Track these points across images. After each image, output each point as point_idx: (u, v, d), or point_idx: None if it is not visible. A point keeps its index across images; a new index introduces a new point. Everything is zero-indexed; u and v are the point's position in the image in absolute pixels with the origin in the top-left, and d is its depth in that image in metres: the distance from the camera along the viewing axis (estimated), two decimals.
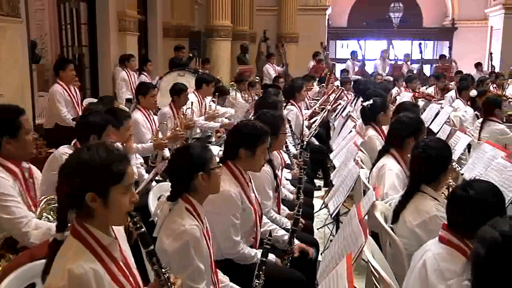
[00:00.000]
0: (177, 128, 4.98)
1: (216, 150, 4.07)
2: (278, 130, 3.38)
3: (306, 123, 6.53)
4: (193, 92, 6.06)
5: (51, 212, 2.74)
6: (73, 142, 3.31)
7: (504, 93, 8.51)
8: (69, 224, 1.75)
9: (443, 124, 5.90)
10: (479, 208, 2.00)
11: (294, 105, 6.14)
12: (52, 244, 1.74)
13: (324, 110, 7.01)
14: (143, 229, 1.82)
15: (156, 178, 3.64)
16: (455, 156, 4.29)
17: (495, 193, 2.07)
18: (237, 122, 3.16)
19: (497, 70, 12.59)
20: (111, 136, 3.59)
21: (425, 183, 2.63)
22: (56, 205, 2.75)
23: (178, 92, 5.46)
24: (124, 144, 3.85)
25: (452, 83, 10.58)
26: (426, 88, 9.85)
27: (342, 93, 8.17)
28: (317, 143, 6.35)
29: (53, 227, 2.03)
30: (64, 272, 1.62)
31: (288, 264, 2.88)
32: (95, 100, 5.82)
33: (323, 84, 10.02)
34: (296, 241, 2.99)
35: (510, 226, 1.49)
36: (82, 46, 8.29)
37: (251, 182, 2.89)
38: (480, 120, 5.33)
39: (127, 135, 3.82)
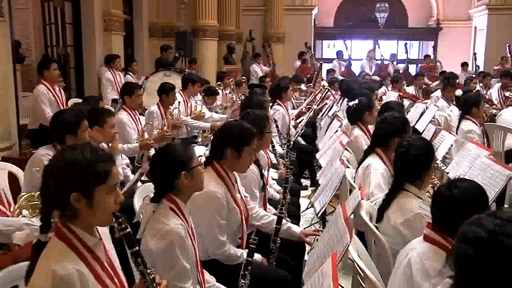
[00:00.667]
0: (165, 128, 4.96)
1: (202, 150, 4.05)
2: (262, 129, 3.38)
3: (292, 122, 6.55)
4: (179, 91, 6.04)
5: (30, 210, 2.73)
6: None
7: (486, 93, 8.60)
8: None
9: (428, 124, 5.95)
10: (463, 207, 2.02)
11: (280, 105, 6.16)
12: (36, 245, 1.73)
13: (310, 110, 7.04)
14: (128, 230, 1.81)
15: (142, 178, 3.62)
16: (440, 155, 4.32)
17: (479, 192, 2.09)
18: (224, 122, 3.15)
19: (481, 70, 12.72)
20: (95, 135, 3.58)
21: (409, 182, 2.66)
22: (37, 202, 2.75)
23: (166, 91, 5.44)
24: (109, 144, 3.83)
25: (436, 82, 10.70)
26: (407, 87, 9.92)
27: (329, 93, 8.21)
28: (303, 142, 6.37)
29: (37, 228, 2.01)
30: (48, 273, 1.61)
31: (274, 263, 2.88)
32: (80, 101, 5.78)
33: (310, 84, 10.06)
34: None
35: (495, 224, 1.49)
36: (67, 46, 8.20)
37: (237, 183, 2.89)
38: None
39: (111, 133, 3.80)
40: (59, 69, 6.03)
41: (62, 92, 5.89)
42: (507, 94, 8.13)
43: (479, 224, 1.51)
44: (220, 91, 7.93)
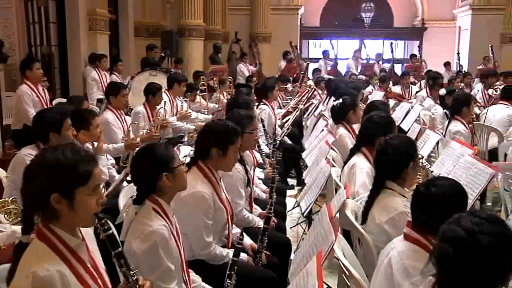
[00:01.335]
0: (152, 129, 4.92)
1: (188, 150, 4.04)
2: (247, 129, 3.37)
3: (279, 122, 6.56)
4: (165, 91, 6.00)
5: (5, 215, 2.70)
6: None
7: (470, 92, 8.70)
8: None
9: (413, 123, 5.99)
10: (441, 205, 2.03)
11: (266, 104, 6.16)
12: (17, 247, 1.71)
13: (297, 110, 7.05)
14: (111, 231, 1.80)
15: (128, 178, 3.60)
16: (425, 154, 4.35)
17: (457, 190, 2.10)
18: (208, 122, 3.15)
19: (465, 69, 12.86)
20: (81, 138, 3.56)
21: (390, 179, 2.67)
22: (12, 207, 2.72)
23: (153, 92, 5.39)
24: (94, 144, 3.82)
25: (423, 81, 10.78)
26: (393, 86, 10.00)
27: (315, 92, 8.23)
28: (290, 142, 6.38)
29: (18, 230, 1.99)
30: (28, 275, 1.59)
31: (261, 262, 2.88)
32: (65, 100, 5.73)
33: (296, 84, 10.07)
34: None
35: (474, 223, 1.51)
36: (51, 45, 8.13)
37: (221, 182, 2.89)
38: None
39: (97, 133, 3.79)
40: (43, 69, 5.96)
41: (46, 92, 5.83)
42: (489, 92, 8.22)
43: (458, 223, 1.54)
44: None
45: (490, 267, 1.47)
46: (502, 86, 7.64)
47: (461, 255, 1.49)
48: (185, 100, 6.33)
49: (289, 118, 6.73)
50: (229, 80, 8.97)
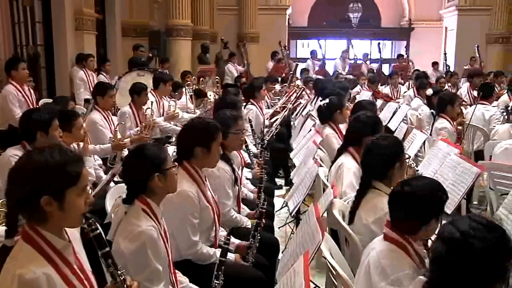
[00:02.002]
0: (143, 131, 4.89)
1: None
2: (233, 129, 3.37)
3: (267, 122, 6.56)
4: (151, 91, 5.97)
5: None
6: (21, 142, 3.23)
7: (456, 92, 8.78)
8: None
9: (401, 122, 6.03)
10: (414, 204, 2.05)
11: (254, 104, 6.16)
12: (1, 251, 1.69)
13: (285, 109, 7.06)
14: (98, 231, 1.80)
15: (115, 179, 3.58)
16: (412, 154, 4.38)
17: (431, 190, 2.10)
18: (187, 122, 3.13)
19: (452, 69, 12.97)
20: (64, 139, 3.53)
21: (376, 179, 2.68)
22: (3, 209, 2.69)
23: (138, 91, 5.38)
24: (79, 144, 3.79)
25: (410, 81, 10.85)
26: (384, 87, 10.07)
27: (304, 92, 8.25)
28: (279, 143, 6.38)
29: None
30: (14, 277, 1.57)
31: (251, 259, 2.87)
32: (51, 101, 5.68)
33: (285, 84, 10.08)
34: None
35: (471, 226, 1.52)
36: (37, 45, 8.05)
37: (207, 181, 2.88)
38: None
39: (80, 134, 3.77)
40: (29, 69, 5.90)
41: (32, 92, 5.78)
42: (475, 93, 8.30)
43: (455, 224, 1.55)
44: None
45: (479, 272, 1.48)
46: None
47: (453, 256, 1.50)
48: (172, 100, 6.28)
49: (278, 118, 6.73)
50: (217, 80, 8.96)
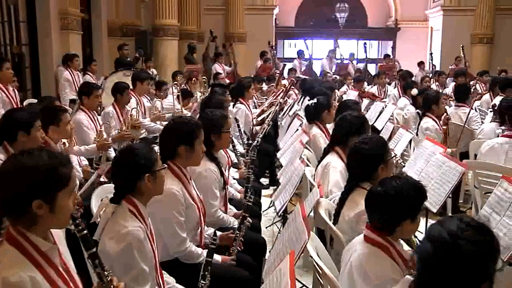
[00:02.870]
0: (124, 128, 4.88)
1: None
2: (219, 129, 3.35)
3: (254, 121, 6.55)
4: (129, 91, 5.91)
5: None
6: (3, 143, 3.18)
7: (443, 91, 8.86)
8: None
9: (387, 122, 6.06)
10: (387, 204, 2.06)
11: (243, 103, 6.15)
12: None
13: (276, 104, 7.02)
14: (85, 231, 1.79)
15: (101, 179, 3.55)
16: (398, 153, 4.41)
17: (404, 189, 2.10)
18: (168, 122, 3.11)
19: (437, 69, 13.08)
20: (50, 135, 3.49)
21: (362, 180, 2.69)
22: None
23: (120, 90, 5.35)
24: (64, 143, 3.76)
25: (396, 81, 10.92)
26: (371, 87, 10.12)
27: (291, 92, 8.26)
28: (264, 142, 6.36)
29: None
30: None
31: (236, 250, 2.87)
32: (36, 101, 5.62)
33: (272, 84, 10.08)
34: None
35: (459, 227, 1.51)
36: (21, 44, 7.96)
37: (191, 180, 2.88)
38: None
39: (68, 130, 3.73)
40: (14, 69, 5.84)
41: (16, 92, 5.72)
42: None
43: (444, 224, 1.54)
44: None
45: (466, 273, 1.47)
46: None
47: (440, 256, 1.49)
48: (158, 100, 6.24)
49: (270, 113, 6.66)
50: (204, 80, 8.93)
